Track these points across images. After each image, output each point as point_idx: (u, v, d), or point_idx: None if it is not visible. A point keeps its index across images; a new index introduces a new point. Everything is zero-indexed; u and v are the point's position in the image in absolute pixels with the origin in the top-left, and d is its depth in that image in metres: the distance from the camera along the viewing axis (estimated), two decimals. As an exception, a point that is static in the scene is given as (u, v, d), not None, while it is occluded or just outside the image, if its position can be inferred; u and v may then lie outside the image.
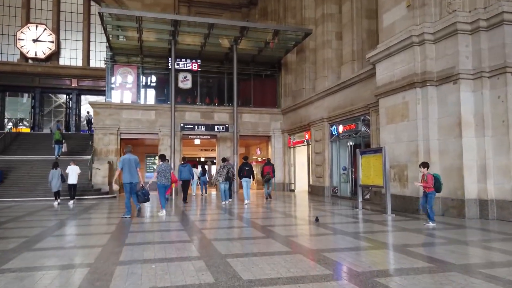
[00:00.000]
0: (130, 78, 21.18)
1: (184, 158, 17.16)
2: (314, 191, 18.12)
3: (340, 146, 16.58)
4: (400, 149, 10.77)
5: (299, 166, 21.29)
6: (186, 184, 15.31)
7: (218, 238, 6.78)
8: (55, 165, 14.27)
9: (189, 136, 21.89)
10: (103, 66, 28.55)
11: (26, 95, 27.96)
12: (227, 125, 20.86)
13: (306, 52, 20.25)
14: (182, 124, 20.41)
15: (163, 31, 19.36)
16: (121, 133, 20.55)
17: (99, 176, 18.23)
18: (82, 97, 29.22)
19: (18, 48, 26.58)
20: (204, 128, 20.47)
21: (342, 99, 15.87)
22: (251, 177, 14.34)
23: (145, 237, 7.02)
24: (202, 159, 32.78)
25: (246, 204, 13.41)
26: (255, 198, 16.60)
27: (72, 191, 14.62)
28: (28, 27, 26.82)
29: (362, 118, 14.50)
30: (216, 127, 20.62)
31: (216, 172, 14.76)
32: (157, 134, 21.04)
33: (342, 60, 16.47)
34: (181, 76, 21.74)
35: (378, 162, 10.46)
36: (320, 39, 18.31)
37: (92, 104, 20.45)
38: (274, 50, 21.88)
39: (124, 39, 20.90)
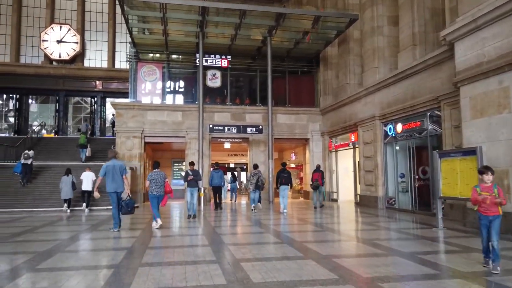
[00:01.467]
0: (155, 77, 19.44)
1: (216, 164, 16.48)
2: (364, 202, 15.55)
3: (398, 148, 13.99)
4: (497, 150, 8.16)
5: (342, 173, 18.77)
6: (217, 191, 14.88)
7: (249, 258, 5.68)
8: (68, 171, 14.01)
9: (219, 140, 19.86)
10: (129, 67, 27.45)
11: (51, 98, 26.96)
12: (260, 127, 18.68)
13: (350, 42, 17.81)
14: (211, 126, 18.41)
15: (190, 22, 17.47)
16: (145, 136, 18.80)
17: (120, 183, 16.45)
18: (107, 100, 27.96)
19: (42, 49, 25.61)
20: (235, 129, 18.38)
21: (400, 93, 13.32)
22: (290, 184, 13.43)
23: (164, 255, 6.09)
24: (232, 165, 30.73)
25: (283, 213, 12.59)
26: (297, 210, 14.27)
27: (86, 198, 14.43)
28: (52, 27, 25.84)
29: (428, 114, 11.89)
30: (248, 129, 18.47)
31: (247, 179, 14.14)
32: (184, 137, 19.15)
33: (399, 47, 13.93)
34: (209, 73, 19.80)
35: (468, 167, 7.92)
36: (368, 25, 15.84)
37: (114, 105, 18.82)
38: (311, 43, 19.58)
39: (148, 33, 19.23)
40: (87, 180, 14.17)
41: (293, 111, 20.16)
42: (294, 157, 24.55)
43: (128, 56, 19.84)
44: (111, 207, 14.43)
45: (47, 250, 6.52)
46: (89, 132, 23.28)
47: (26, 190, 15.61)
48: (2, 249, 6.76)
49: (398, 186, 13.72)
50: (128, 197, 8.89)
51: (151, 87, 19.44)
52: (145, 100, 19.26)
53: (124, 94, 26.24)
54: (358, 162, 16.35)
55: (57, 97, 26.25)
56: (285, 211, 12.78)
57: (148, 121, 18.81)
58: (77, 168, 16.23)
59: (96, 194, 9.19)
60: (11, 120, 26.32)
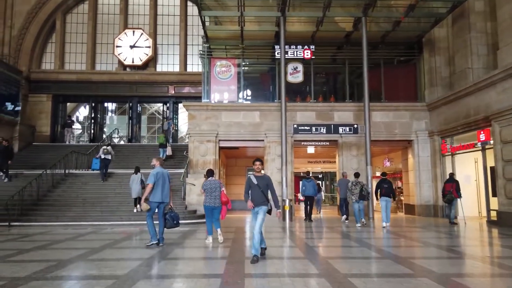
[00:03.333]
0: (229, 74, 17.31)
1: (308, 173, 15.72)
2: (506, 221, 11.56)
3: None
4: None
5: (462, 182, 14.76)
6: (310, 201, 14.22)
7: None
8: (137, 169, 13.61)
9: (302, 143, 17.10)
10: (201, 70, 25.92)
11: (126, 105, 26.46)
12: (356, 125, 15.52)
13: (469, 17, 14.05)
14: (295, 126, 15.70)
15: (269, 5, 15.07)
16: (219, 140, 16.67)
17: (194, 194, 14.37)
18: (180, 105, 26.74)
19: (116, 55, 25.15)
20: (324, 129, 15.47)
21: None
22: (392, 196, 12.38)
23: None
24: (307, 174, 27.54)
25: (384, 227, 11.56)
26: (401, 226, 10.87)
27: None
28: (125, 33, 25.33)
29: None
30: (340, 128, 15.44)
31: (348, 189, 12.74)
32: (263, 140, 16.68)
33: None
34: (290, 67, 17.18)
35: None
36: (502, -12, 12.05)
37: (186, 106, 17.00)
38: (414, 22, 16.13)
39: (221, 25, 17.24)
40: None
41: (392, 107, 16.68)
42: (388, 164, 20.82)
43: (201, 52, 18.01)
44: (190, 221, 12.55)
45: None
46: (172, 131, 22.40)
47: (95, 200, 14.18)
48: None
49: None
50: (170, 209, 8.22)
51: (225, 86, 17.33)
52: (219, 99, 17.18)
53: (197, 99, 24.74)
54: (493, 167, 12.42)
55: (130, 104, 25.56)
56: (387, 224, 11.74)
57: (222, 123, 16.68)
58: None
59: (145, 206, 7.91)
60: (87, 127, 26.22)
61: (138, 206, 13.11)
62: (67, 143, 22.48)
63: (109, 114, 27.17)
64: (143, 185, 12.90)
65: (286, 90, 16.82)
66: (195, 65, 26.36)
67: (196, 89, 24.93)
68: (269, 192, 6.69)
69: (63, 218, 12.78)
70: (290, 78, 17.26)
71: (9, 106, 20.94)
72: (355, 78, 18.46)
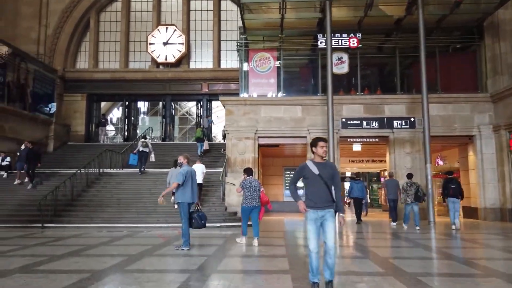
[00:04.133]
0: (268, 66, 16.16)
1: (357, 174, 15.50)
2: None
3: None
4: None
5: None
6: (358, 204, 13.84)
7: None
8: (175, 163, 12.25)
9: (348, 140, 15.68)
10: (235, 66, 24.97)
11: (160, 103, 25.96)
12: (412, 119, 13.94)
13: (546, -8, 12.22)
14: (343, 120, 14.33)
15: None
16: (259, 137, 15.56)
17: (234, 194, 13.32)
18: (213, 103, 25.96)
19: (149, 53, 24.64)
20: (376, 123, 14.00)
21: None
22: (460, 196, 11.45)
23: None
24: (348, 174, 26.02)
25: (454, 229, 10.88)
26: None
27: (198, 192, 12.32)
28: (158, 29, 24.77)
29: None
30: (395, 122, 13.91)
31: (403, 190, 11.94)
32: (305, 137, 15.41)
33: None
34: (334, 57, 15.79)
35: None
36: None
37: (223, 101, 15.99)
38: (472, 5, 14.40)
39: (260, 13, 16.15)
40: (198, 172, 12.36)
41: (450, 98, 14.98)
42: (441, 162, 19.01)
43: (238, 43, 16.98)
44: (230, 224, 11.47)
45: None
46: (210, 129, 21.95)
47: (130, 201, 13.42)
48: None
49: None
50: (197, 208, 7.64)
51: (264, 79, 16.20)
52: (258, 93, 16.06)
53: (231, 96, 23.87)
54: None
55: (164, 102, 24.97)
56: (454, 226, 11.04)
57: (262, 118, 15.56)
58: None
59: (161, 200, 7.48)
60: (120, 129, 25.90)
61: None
62: (101, 142, 22.09)
63: (142, 114, 26.78)
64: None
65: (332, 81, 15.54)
66: (228, 61, 25.51)
67: (230, 86, 24.05)
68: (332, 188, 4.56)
69: (97, 220, 12.06)
70: (335, 69, 15.84)
71: (45, 105, 20.78)
72: (404, 69, 16.91)
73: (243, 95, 16.13)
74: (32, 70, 19.81)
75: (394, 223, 12.55)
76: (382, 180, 25.21)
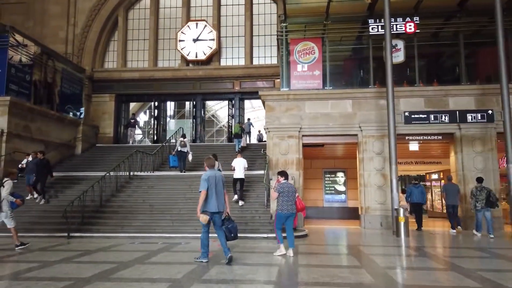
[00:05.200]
0: (313, 56, 14.50)
1: (417, 178, 14.57)
2: None
3: None
4: None
5: None
6: (418, 209, 13.06)
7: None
8: (214, 158, 10.89)
9: (406, 138, 13.80)
10: (268, 62, 23.54)
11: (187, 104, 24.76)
12: (490, 111, 11.94)
13: None
14: (406, 114, 12.48)
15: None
16: (303, 135, 13.92)
17: (280, 200, 11.68)
18: (246, 102, 24.50)
19: (179, 50, 23.48)
20: (446, 117, 12.11)
21: None
22: None
23: None
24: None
25: None
26: None
27: (239, 188, 12.19)
28: (188, 25, 23.58)
29: None
30: (469, 116, 11.92)
31: (471, 195, 11.02)
32: (356, 135, 13.67)
33: None
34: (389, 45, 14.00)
35: None
36: None
37: (263, 96, 14.44)
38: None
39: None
40: (239, 167, 12.16)
41: (529, 88, 12.84)
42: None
43: (278, 32, 15.42)
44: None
45: None
46: (248, 130, 20.78)
47: (163, 207, 12.01)
48: None
49: None
50: (227, 218, 6.72)
51: (308, 71, 14.55)
52: (302, 87, 14.42)
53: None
54: None
55: (194, 102, 23.70)
56: None
57: (306, 115, 13.92)
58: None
59: (204, 218, 6.52)
60: (147, 131, 24.86)
61: None
62: (130, 143, 21.00)
63: (171, 114, 25.66)
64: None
65: (380, 73, 13.78)
66: (261, 58, 24.04)
67: (263, 84, 22.57)
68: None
69: (129, 229, 10.72)
70: (388, 59, 14.10)
71: (73, 106, 19.89)
72: (468, 57, 14.88)
73: (285, 89, 14.53)
74: (60, 69, 18.94)
75: (454, 231, 11.70)
76: (431, 183, 23.05)
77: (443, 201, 15.75)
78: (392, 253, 8.25)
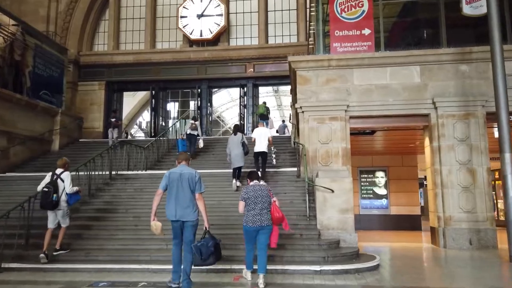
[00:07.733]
0: (360, 9, 10.59)
1: None
2: None
3: None
4: None
5: None
6: None
7: None
8: (236, 128, 10.49)
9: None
10: (286, 41, 19.78)
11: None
12: None
13: None
14: (519, 77, 8.49)
15: None
16: (351, 117, 9.98)
17: (334, 208, 7.67)
18: (260, 89, 20.68)
19: (180, 29, 19.74)
20: None
21: None
22: None
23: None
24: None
25: None
26: None
27: (260, 162, 10.00)
28: (191, -1, 19.91)
29: None
30: None
31: None
32: (427, 115, 9.72)
33: None
34: (464, -8, 10.12)
35: None
36: None
37: (294, 63, 10.43)
38: None
39: None
40: (260, 140, 9.98)
41: None
42: None
43: (313, -21, 11.57)
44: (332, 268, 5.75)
45: None
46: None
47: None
48: None
49: None
50: (206, 232, 5.10)
51: (354, 29, 10.61)
52: (346, 52, 10.49)
53: (282, 78, 18.55)
54: None
55: (199, 89, 19.89)
56: None
57: (354, 88, 9.99)
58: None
59: (157, 224, 5.24)
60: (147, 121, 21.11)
61: (236, 181, 9.66)
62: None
63: (172, 103, 21.82)
64: (246, 150, 10.00)
65: (455, 28, 9.86)
66: (278, 37, 20.30)
67: (281, 66, 18.63)
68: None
69: (98, 255, 6.82)
70: (467, 10, 10.21)
71: (50, 92, 16.12)
72: None
73: (322, 54, 10.62)
74: (33, 45, 15.21)
75: None
76: None
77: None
78: None
